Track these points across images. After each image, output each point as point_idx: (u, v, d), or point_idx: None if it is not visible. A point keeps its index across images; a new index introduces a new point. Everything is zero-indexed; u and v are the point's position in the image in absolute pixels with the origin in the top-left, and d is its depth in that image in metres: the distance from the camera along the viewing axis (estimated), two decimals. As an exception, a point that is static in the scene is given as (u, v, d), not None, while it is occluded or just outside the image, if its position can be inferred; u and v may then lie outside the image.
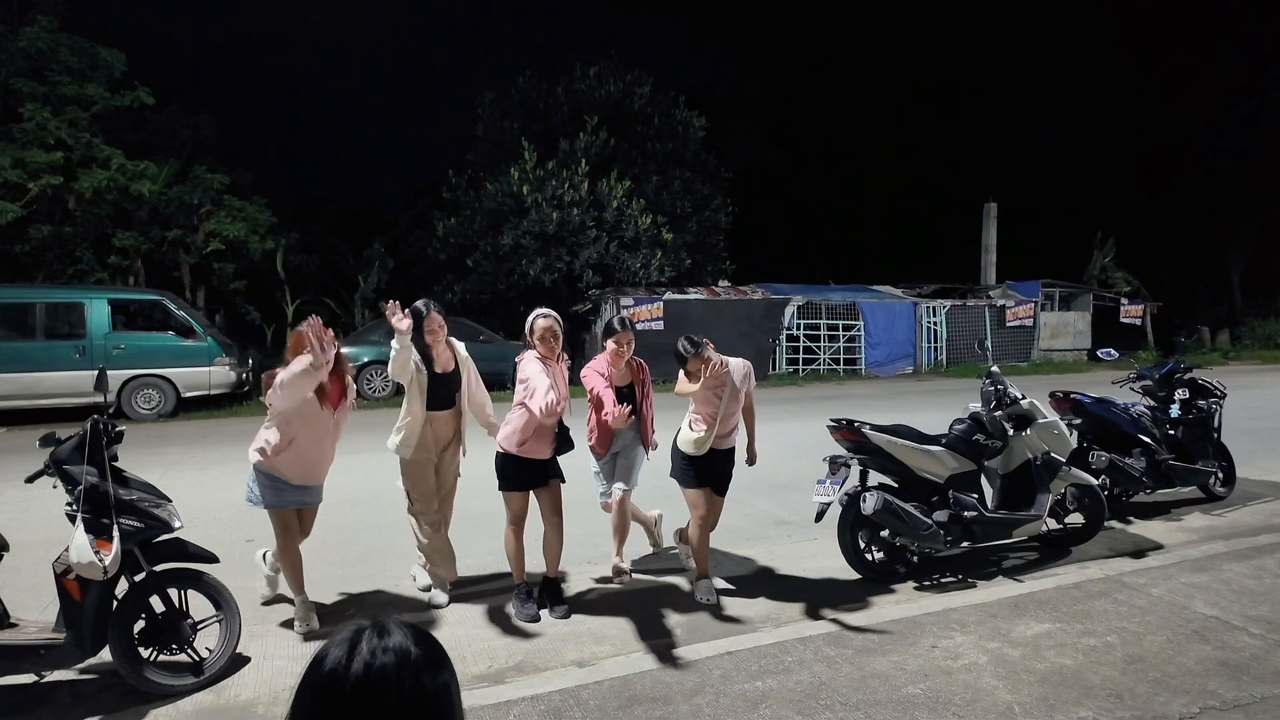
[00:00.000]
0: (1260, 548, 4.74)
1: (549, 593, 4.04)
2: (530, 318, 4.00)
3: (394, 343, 3.83)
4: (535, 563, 4.14)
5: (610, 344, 4.28)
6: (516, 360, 4.01)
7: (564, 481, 4.06)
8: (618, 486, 4.43)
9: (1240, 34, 29.75)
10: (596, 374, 4.22)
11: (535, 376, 3.76)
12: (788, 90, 35.48)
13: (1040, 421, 4.75)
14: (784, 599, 4.16)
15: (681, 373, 4.08)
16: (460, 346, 4.30)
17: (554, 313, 4.04)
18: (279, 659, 3.54)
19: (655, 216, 18.96)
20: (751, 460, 4.34)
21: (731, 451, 4.18)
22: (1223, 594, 3.98)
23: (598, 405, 4.15)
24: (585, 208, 18.37)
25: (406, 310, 3.90)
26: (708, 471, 4.09)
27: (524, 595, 4.01)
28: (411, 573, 4.43)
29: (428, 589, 4.22)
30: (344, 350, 3.98)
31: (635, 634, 3.75)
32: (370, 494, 6.18)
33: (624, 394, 4.37)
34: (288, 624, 3.87)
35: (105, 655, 3.15)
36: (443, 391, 4.11)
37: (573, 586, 4.36)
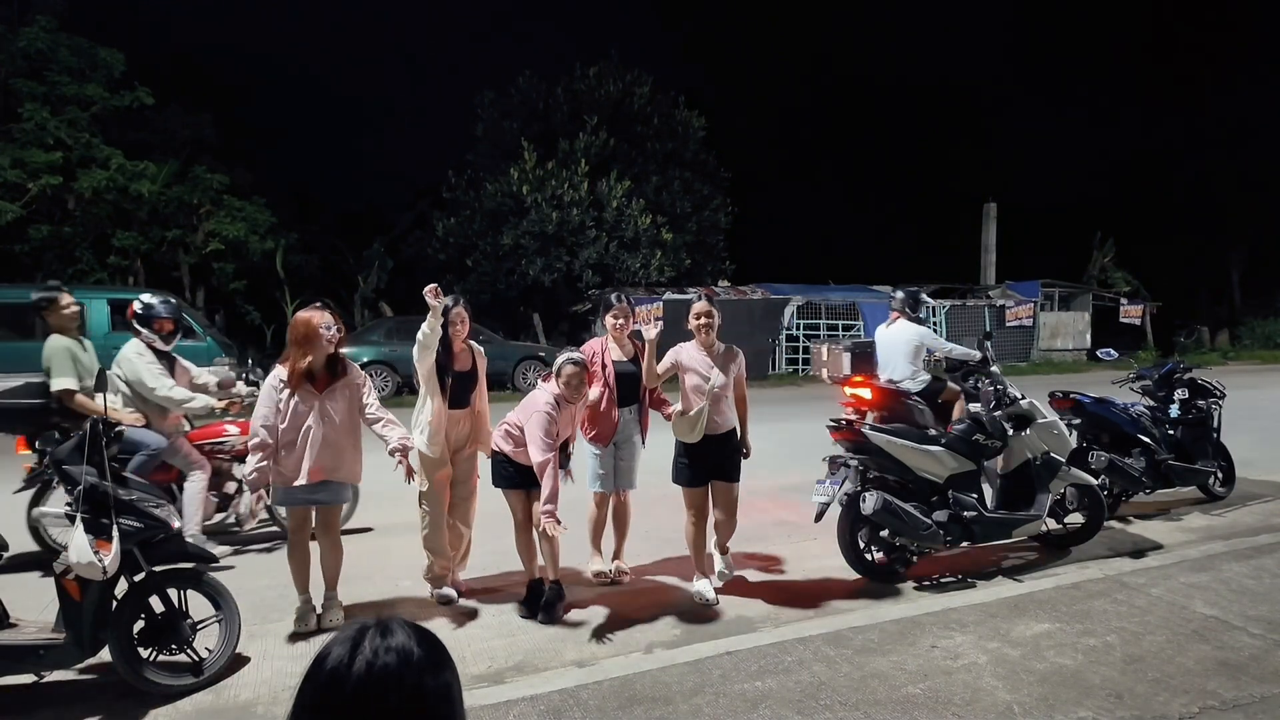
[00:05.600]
0: (1260, 548, 4.74)
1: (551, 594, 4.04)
2: (559, 362, 3.86)
3: (427, 321, 3.93)
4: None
5: (608, 319, 4.28)
6: (540, 380, 4.01)
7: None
8: (620, 485, 4.44)
9: (1240, 34, 29.76)
10: (591, 359, 4.22)
11: (533, 429, 3.72)
12: (788, 90, 35.50)
13: (1040, 421, 4.75)
14: (784, 599, 4.16)
15: (678, 417, 4.04)
16: (479, 349, 4.34)
17: (583, 360, 3.92)
18: (278, 659, 3.54)
19: (655, 216, 18.96)
20: (746, 453, 4.20)
21: (730, 435, 4.08)
22: (1222, 594, 3.98)
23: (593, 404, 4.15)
24: (585, 208, 18.37)
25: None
26: (706, 465, 4.05)
27: (530, 589, 4.02)
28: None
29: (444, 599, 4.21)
30: (344, 350, 3.97)
31: (635, 634, 3.75)
32: (369, 494, 6.17)
33: (632, 369, 4.35)
34: (298, 638, 3.87)
35: (105, 655, 3.15)
36: (459, 390, 4.12)
37: (573, 586, 4.35)
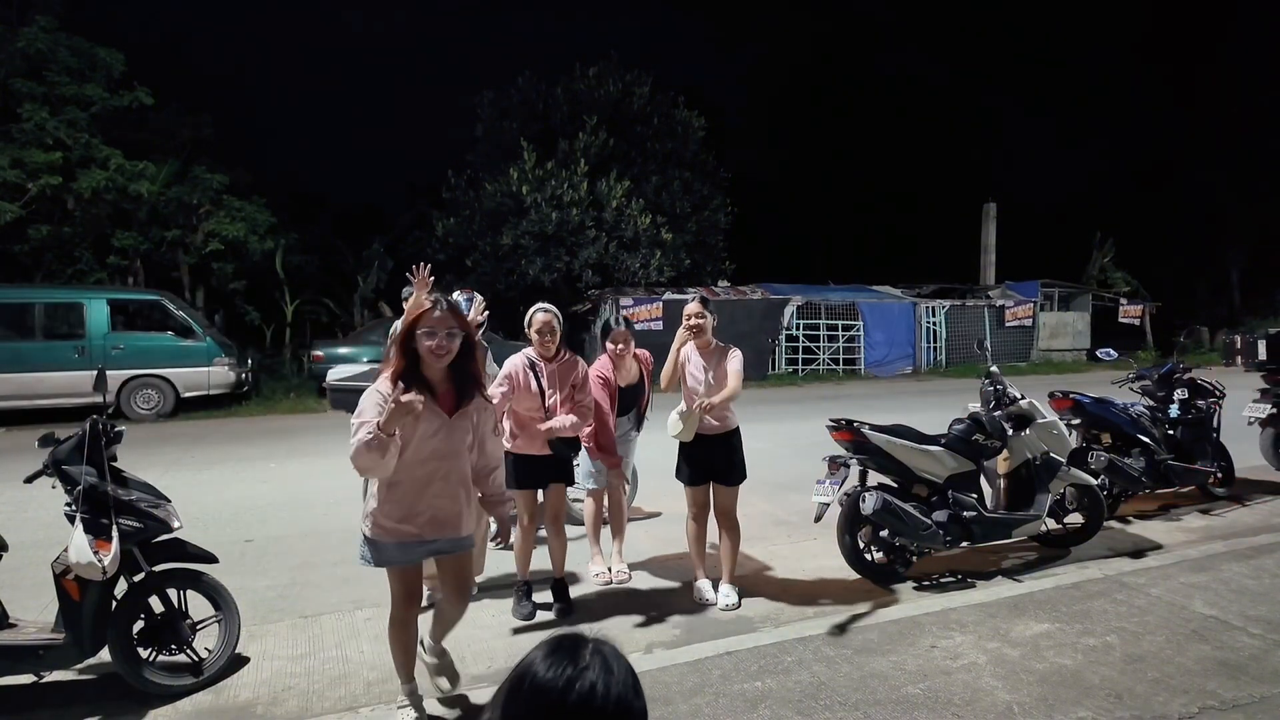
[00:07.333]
0: (1259, 547, 4.74)
1: (555, 593, 4.05)
2: (530, 311, 3.98)
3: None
4: (541, 562, 4.13)
5: (608, 345, 4.28)
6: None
7: (569, 484, 4.07)
8: (619, 485, 4.46)
9: (1240, 35, 29.78)
10: (599, 383, 4.24)
11: (500, 387, 3.80)
12: (788, 90, 35.50)
13: (1039, 421, 4.75)
14: (784, 599, 4.16)
15: (675, 413, 4.01)
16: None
17: (554, 308, 4.01)
18: (278, 659, 3.54)
19: (655, 216, 18.95)
20: (706, 406, 3.78)
21: (728, 437, 4.02)
22: (1222, 594, 3.98)
23: (599, 413, 4.17)
24: (584, 208, 18.36)
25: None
26: (705, 465, 4.03)
27: (522, 593, 4.01)
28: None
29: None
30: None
31: (635, 634, 3.76)
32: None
33: (631, 393, 4.39)
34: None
35: (105, 655, 3.15)
36: None
37: (573, 587, 4.35)
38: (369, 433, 2.46)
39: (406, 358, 2.66)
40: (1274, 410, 6.69)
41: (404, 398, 2.46)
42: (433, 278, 4.46)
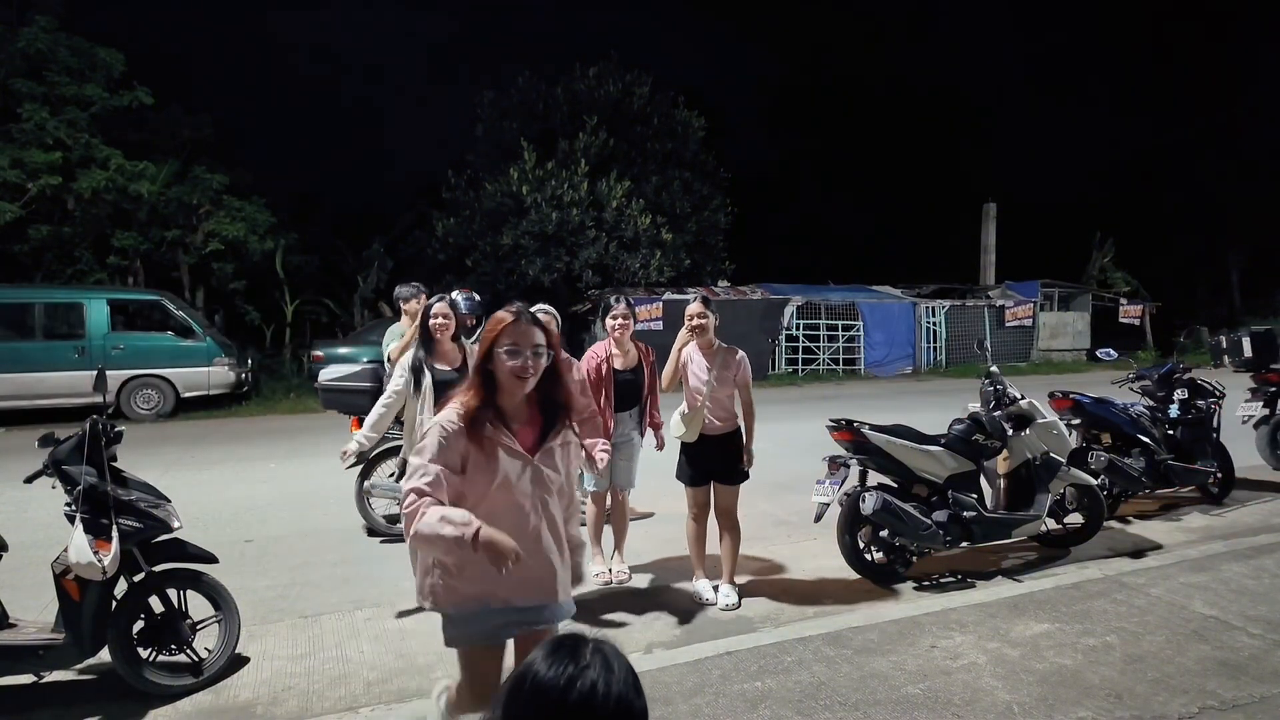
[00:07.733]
0: (1259, 548, 4.74)
1: None
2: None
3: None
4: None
5: (608, 321, 4.28)
6: None
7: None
8: (617, 484, 4.44)
9: (1240, 34, 29.79)
10: (591, 364, 4.22)
11: None
12: (787, 90, 35.53)
13: (1039, 421, 4.75)
14: (784, 599, 4.16)
15: (677, 414, 4.03)
16: (471, 346, 4.33)
17: (552, 309, 4.00)
18: (278, 659, 3.54)
19: (655, 216, 18.96)
20: (748, 461, 4.09)
21: (731, 437, 4.02)
22: (1222, 594, 3.98)
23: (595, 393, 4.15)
24: (585, 208, 18.37)
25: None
26: (705, 466, 4.03)
27: None
28: None
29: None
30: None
31: (635, 634, 3.76)
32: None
33: (631, 378, 4.37)
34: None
35: (104, 655, 3.15)
36: (448, 389, 4.12)
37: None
38: (456, 530, 1.85)
39: (485, 384, 2.14)
40: (1267, 409, 6.70)
41: (488, 541, 1.85)
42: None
